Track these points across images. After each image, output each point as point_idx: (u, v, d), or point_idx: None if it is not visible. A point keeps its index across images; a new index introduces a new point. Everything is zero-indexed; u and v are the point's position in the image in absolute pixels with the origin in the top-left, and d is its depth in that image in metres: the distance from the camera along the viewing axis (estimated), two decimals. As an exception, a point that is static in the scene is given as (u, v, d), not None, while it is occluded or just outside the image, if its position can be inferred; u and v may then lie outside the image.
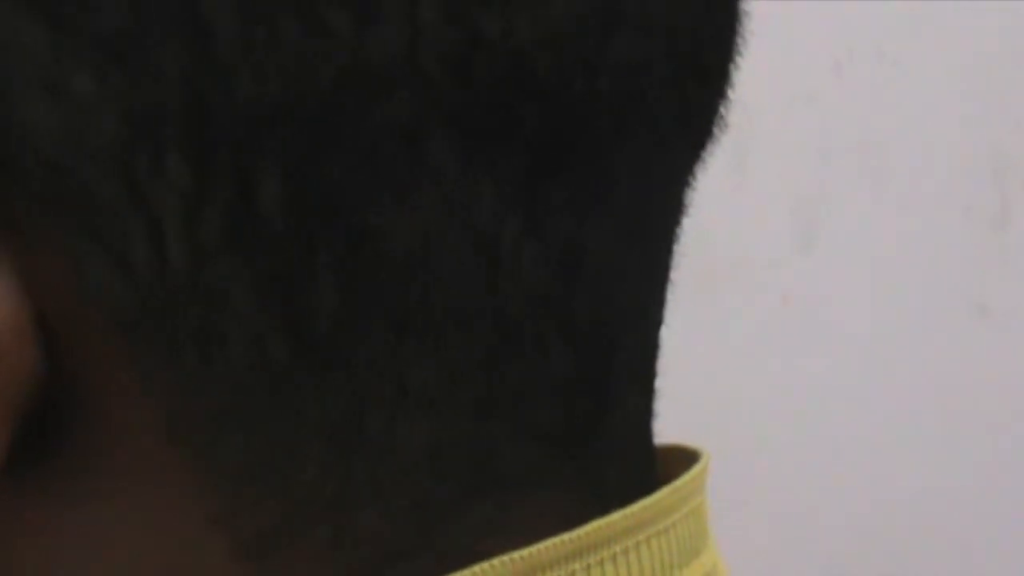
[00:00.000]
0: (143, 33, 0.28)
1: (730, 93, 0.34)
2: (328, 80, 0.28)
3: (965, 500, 1.35)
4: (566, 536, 0.31)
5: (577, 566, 0.32)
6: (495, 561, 0.31)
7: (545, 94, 0.30)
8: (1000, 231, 1.34)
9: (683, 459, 0.36)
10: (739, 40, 0.34)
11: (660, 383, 0.36)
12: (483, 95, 0.29)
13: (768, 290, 1.30)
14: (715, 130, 0.34)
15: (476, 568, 0.31)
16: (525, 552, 0.31)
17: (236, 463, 0.31)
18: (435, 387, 0.31)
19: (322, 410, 0.30)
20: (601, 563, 0.32)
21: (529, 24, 0.29)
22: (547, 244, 0.31)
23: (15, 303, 0.30)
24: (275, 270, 0.29)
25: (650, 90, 0.31)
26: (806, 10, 1.26)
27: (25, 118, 0.29)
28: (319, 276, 0.29)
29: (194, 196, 0.29)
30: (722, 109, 0.34)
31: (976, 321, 1.34)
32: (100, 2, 0.28)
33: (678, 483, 0.34)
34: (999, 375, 1.35)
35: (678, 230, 0.35)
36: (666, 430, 0.38)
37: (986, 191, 1.33)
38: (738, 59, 0.34)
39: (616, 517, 0.32)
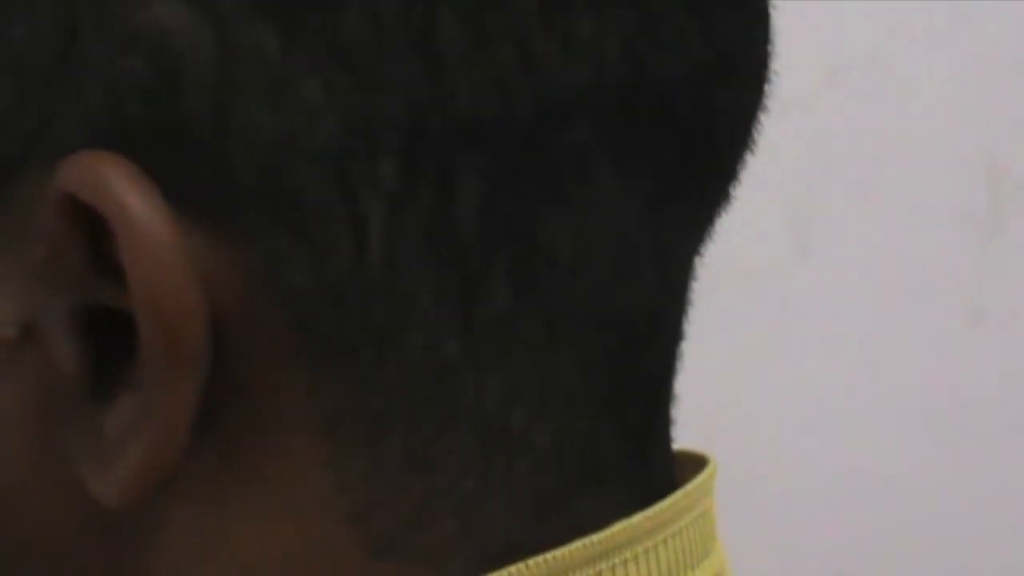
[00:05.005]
0: (378, 47, 0.30)
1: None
2: (532, 103, 0.31)
3: (961, 502, 1.36)
4: (595, 537, 0.33)
5: (604, 566, 0.33)
6: (530, 562, 0.33)
7: (678, 129, 0.33)
8: (993, 236, 1.35)
9: (691, 464, 0.38)
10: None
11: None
12: (639, 125, 0.32)
13: (764, 296, 1.31)
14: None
15: (512, 568, 0.33)
16: (558, 553, 0.33)
17: (386, 459, 0.32)
18: (572, 384, 0.33)
19: (477, 405, 0.32)
20: (625, 563, 0.33)
21: (678, 65, 0.32)
22: (663, 259, 0.34)
23: (205, 300, 0.31)
24: (459, 273, 0.31)
25: (740, 131, 0.35)
26: (799, 19, 1.27)
27: (248, 118, 0.30)
28: (496, 280, 0.32)
29: (400, 200, 0.31)
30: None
31: (970, 325, 1.35)
32: (339, 14, 0.30)
33: (689, 487, 0.35)
34: (993, 378, 1.36)
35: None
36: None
37: (979, 196, 1.34)
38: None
39: (638, 519, 0.34)
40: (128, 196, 0.30)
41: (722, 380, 1.30)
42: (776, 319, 1.31)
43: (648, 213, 0.33)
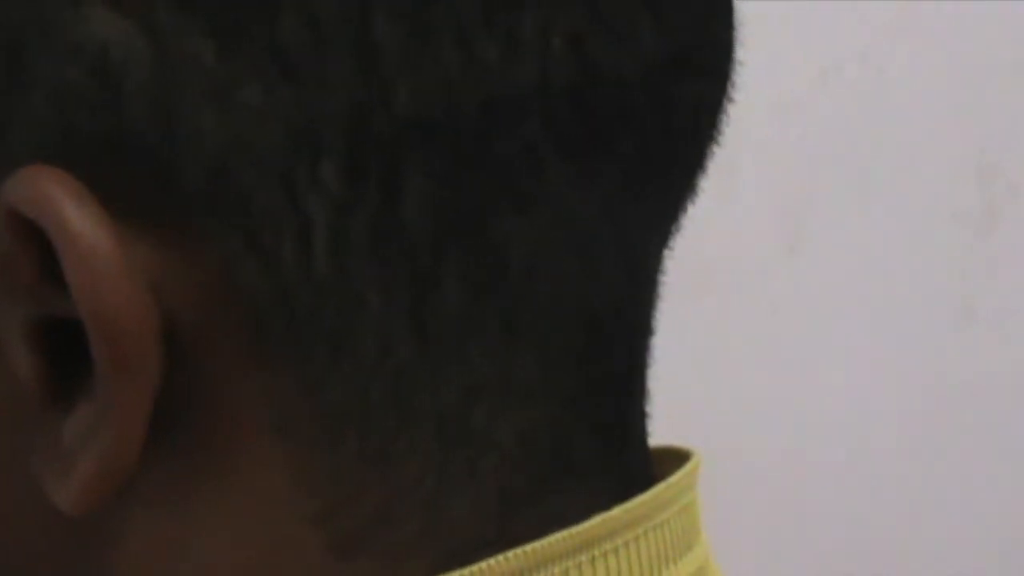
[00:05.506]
0: (316, 51, 0.30)
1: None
2: (474, 102, 0.31)
3: (953, 500, 1.36)
4: (574, 529, 0.33)
5: (583, 558, 0.33)
6: (508, 554, 0.33)
7: (635, 124, 0.33)
8: (986, 235, 1.35)
9: (675, 458, 0.38)
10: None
11: (648, 387, 0.38)
12: (592, 122, 0.32)
13: (756, 295, 1.31)
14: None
15: (492, 561, 0.33)
16: (536, 545, 0.33)
17: (345, 459, 0.33)
18: (534, 381, 0.33)
19: (435, 405, 0.33)
20: (604, 555, 0.34)
21: (630, 60, 0.32)
22: (625, 253, 0.34)
23: (154, 307, 0.31)
24: (408, 274, 0.32)
25: (702, 123, 0.35)
26: (792, 19, 1.27)
27: (191, 125, 0.30)
28: (446, 279, 0.32)
29: (345, 203, 0.31)
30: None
31: (963, 324, 1.35)
32: (275, 19, 0.30)
33: (672, 480, 0.35)
34: (985, 377, 1.36)
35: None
36: (654, 434, 0.39)
37: (972, 196, 1.34)
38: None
39: (617, 512, 0.34)
40: (66, 210, 0.31)
41: (710, 379, 1.30)
42: (765, 318, 1.32)
43: (608, 208, 0.33)
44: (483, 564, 0.33)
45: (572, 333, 0.33)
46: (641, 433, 0.37)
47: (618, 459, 0.35)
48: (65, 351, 0.32)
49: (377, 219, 0.31)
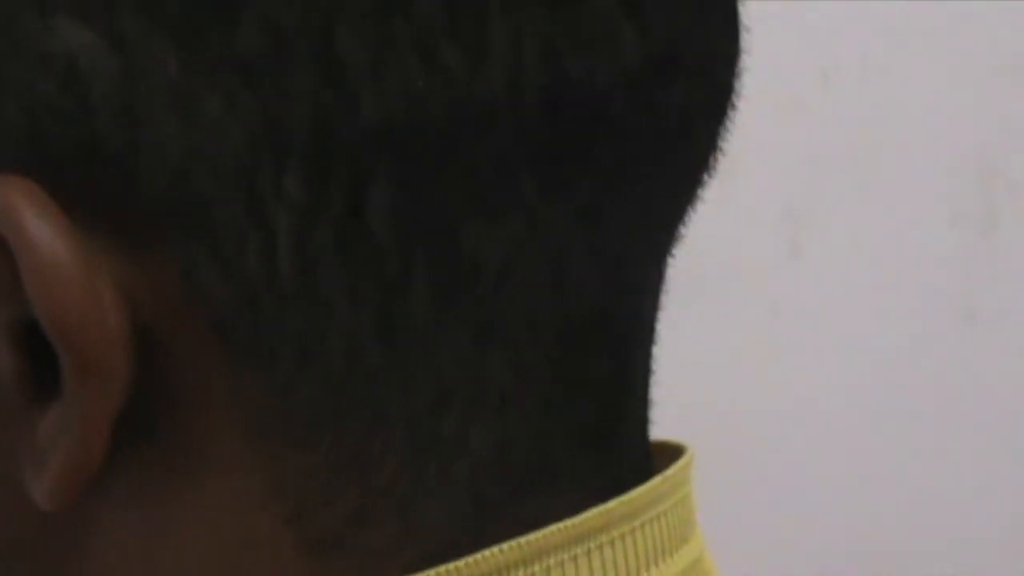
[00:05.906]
0: (278, 59, 0.30)
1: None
2: (441, 111, 0.31)
3: (954, 502, 1.36)
4: (569, 522, 0.34)
5: (579, 550, 0.33)
6: (503, 546, 0.33)
7: (614, 130, 0.33)
8: (987, 236, 1.35)
9: (668, 453, 0.38)
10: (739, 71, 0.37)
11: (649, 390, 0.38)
12: (566, 130, 0.32)
13: (757, 297, 1.31)
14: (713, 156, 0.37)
15: (487, 552, 0.33)
16: (531, 537, 0.33)
17: (318, 462, 0.33)
18: (507, 388, 0.33)
19: (405, 410, 0.33)
20: (600, 548, 0.34)
21: (607, 67, 0.32)
22: (603, 262, 0.34)
23: (119, 314, 0.32)
24: (376, 280, 0.32)
25: (696, 129, 0.35)
26: (793, 21, 1.28)
27: (155, 134, 0.31)
28: (415, 286, 0.32)
29: (308, 211, 0.31)
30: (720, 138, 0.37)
31: (964, 326, 1.35)
32: (237, 28, 0.30)
33: (667, 473, 0.35)
34: (987, 379, 1.36)
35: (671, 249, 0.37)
36: (655, 435, 0.39)
37: (973, 197, 1.34)
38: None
39: (613, 504, 0.34)
40: (24, 219, 0.31)
41: (712, 381, 1.30)
42: (768, 320, 1.32)
43: (585, 215, 0.33)
44: (478, 556, 0.33)
45: (546, 340, 0.33)
46: (636, 436, 0.37)
47: (606, 464, 0.35)
48: (46, 351, 0.33)
49: (342, 226, 0.31)
